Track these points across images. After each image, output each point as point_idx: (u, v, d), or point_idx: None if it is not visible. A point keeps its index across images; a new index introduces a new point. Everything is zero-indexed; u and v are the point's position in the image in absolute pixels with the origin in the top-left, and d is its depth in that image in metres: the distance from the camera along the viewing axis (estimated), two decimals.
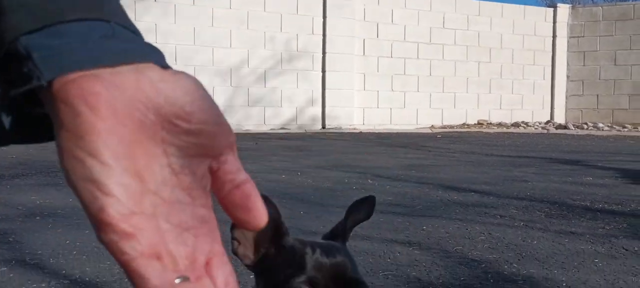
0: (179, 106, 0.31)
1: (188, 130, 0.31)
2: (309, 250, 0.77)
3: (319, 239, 0.85)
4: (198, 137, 0.32)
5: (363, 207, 0.86)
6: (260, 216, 0.34)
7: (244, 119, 9.02)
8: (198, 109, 0.32)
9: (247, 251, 0.78)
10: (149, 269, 0.30)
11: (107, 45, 0.31)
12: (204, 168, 0.33)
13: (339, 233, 0.85)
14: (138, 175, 0.30)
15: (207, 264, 0.33)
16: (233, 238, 0.78)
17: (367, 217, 0.87)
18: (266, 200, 0.74)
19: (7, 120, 0.32)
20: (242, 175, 0.34)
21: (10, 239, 2.41)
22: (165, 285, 0.30)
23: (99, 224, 0.29)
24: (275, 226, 0.78)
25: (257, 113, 9.14)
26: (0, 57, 0.30)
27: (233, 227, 0.76)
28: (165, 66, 0.32)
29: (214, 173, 0.33)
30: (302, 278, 0.75)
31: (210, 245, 0.33)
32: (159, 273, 0.30)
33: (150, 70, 0.31)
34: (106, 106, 0.29)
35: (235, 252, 0.78)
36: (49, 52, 0.30)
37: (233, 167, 0.34)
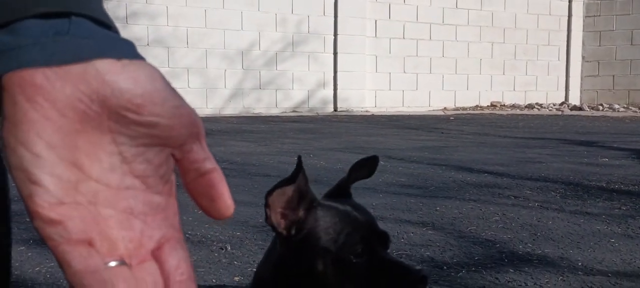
0: (127, 98, 0.31)
1: (138, 122, 0.31)
2: (345, 210, 0.80)
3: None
4: (151, 129, 0.32)
5: (366, 166, 0.90)
6: (225, 206, 0.34)
7: (255, 102, 9.01)
8: (150, 101, 0.31)
9: (278, 219, 0.80)
10: (73, 255, 0.30)
11: (59, 43, 0.31)
12: (162, 157, 0.33)
13: (343, 190, 0.88)
14: (76, 164, 0.31)
15: (160, 249, 0.33)
16: (266, 207, 0.79)
17: (369, 175, 0.91)
18: (299, 166, 0.77)
19: None
20: (208, 165, 0.34)
21: (27, 219, 2.44)
22: (87, 270, 0.30)
23: (28, 210, 0.31)
24: (301, 194, 0.80)
25: (267, 96, 9.13)
26: None
27: (266, 196, 0.78)
28: (132, 57, 0.32)
29: (178, 161, 0.34)
30: (357, 237, 0.77)
31: (163, 231, 0.33)
32: (83, 259, 0.30)
33: (100, 62, 0.31)
34: (44, 97, 0.30)
35: (268, 222, 0.80)
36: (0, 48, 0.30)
37: (198, 157, 0.34)
